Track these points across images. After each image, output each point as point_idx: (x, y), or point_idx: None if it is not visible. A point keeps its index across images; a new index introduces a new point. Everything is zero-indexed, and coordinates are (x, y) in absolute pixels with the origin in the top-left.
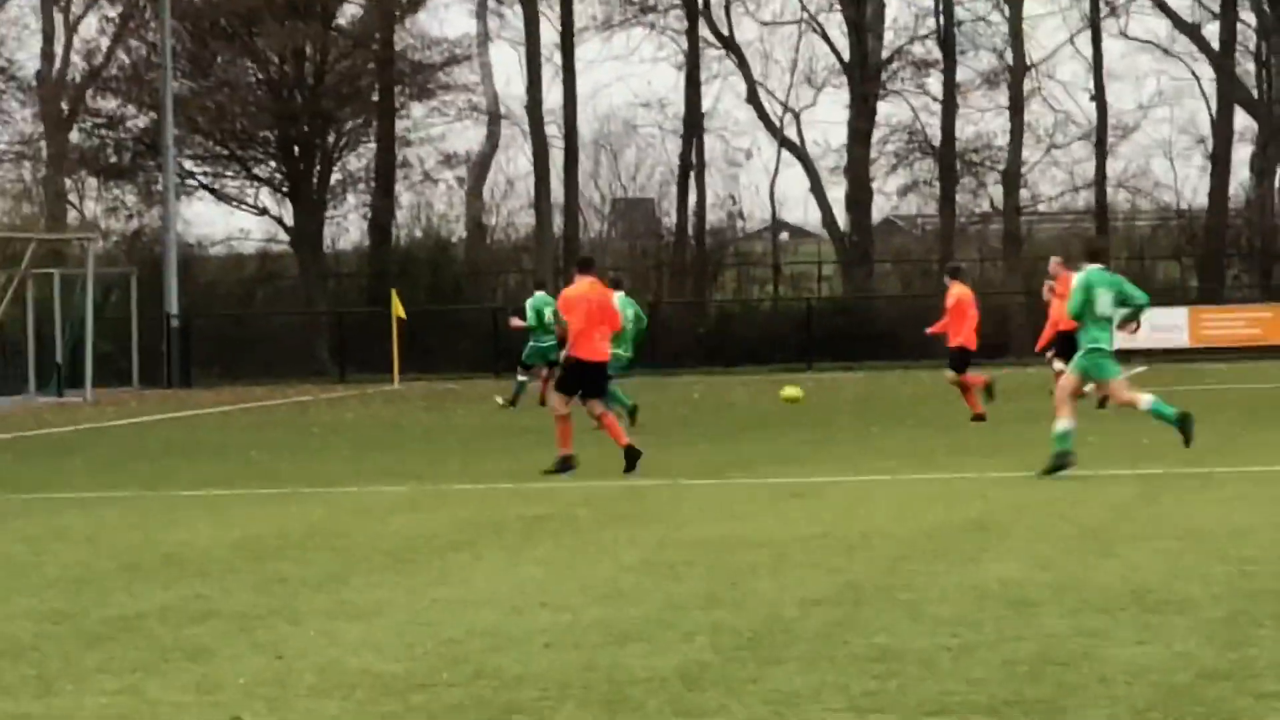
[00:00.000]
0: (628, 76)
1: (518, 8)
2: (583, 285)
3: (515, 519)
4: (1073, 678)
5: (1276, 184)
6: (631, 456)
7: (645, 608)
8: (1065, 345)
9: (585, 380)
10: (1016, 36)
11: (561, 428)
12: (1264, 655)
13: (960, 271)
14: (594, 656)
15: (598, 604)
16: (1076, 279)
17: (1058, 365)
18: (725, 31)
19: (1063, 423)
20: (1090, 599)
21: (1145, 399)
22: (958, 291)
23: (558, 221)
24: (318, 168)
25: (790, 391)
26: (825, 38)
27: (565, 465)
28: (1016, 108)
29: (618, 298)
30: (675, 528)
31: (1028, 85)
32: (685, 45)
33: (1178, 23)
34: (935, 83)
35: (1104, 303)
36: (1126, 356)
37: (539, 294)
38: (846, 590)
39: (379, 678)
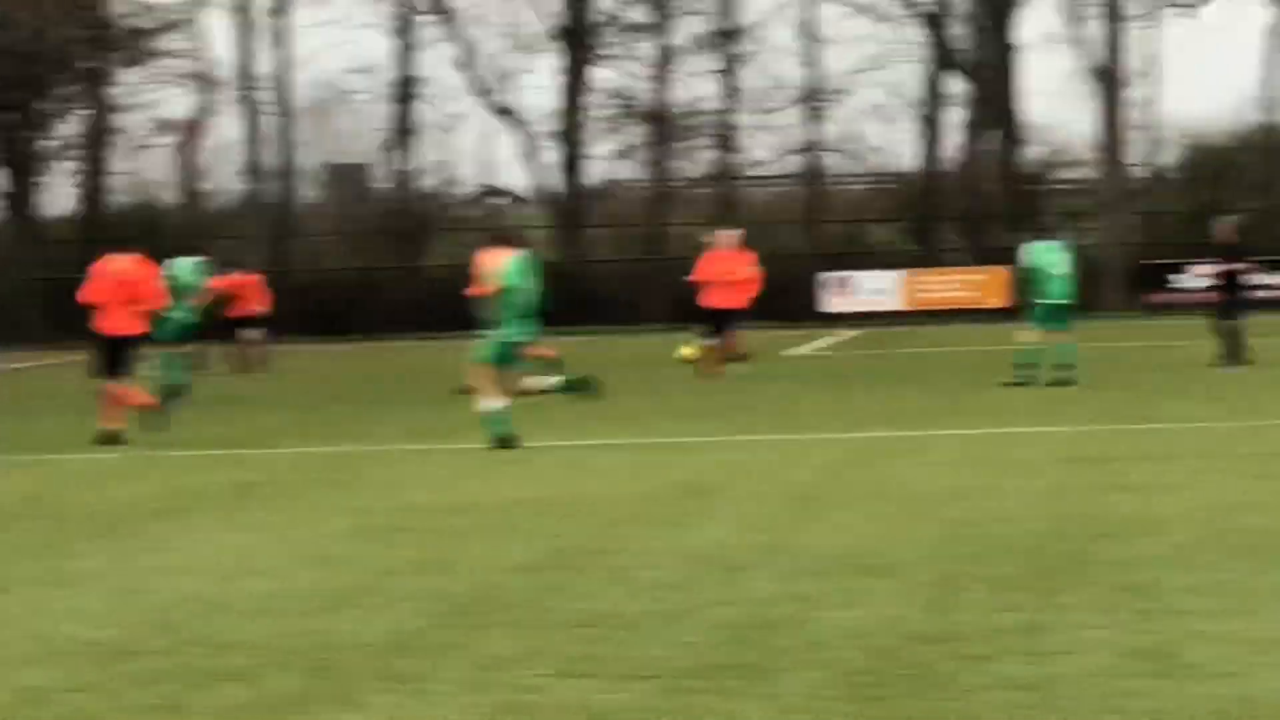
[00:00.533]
0: (341, 43)
1: None
2: (115, 260)
3: (226, 486)
4: (782, 641)
5: (988, 147)
6: (109, 439)
7: (356, 574)
8: (709, 316)
9: (111, 355)
10: (729, 1)
11: (111, 401)
12: (972, 618)
13: (499, 238)
14: (304, 623)
15: (308, 570)
16: (501, 266)
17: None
18: None
19: (491, 403)
20: (800, 563)
21: (547, 381)
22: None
23: (271, 188)
24: (31, 134)
25: (687, 351)
26: (537, 3)
27: (111, 439)
28: (729, 72)
29: (188, 264)
30: (387, 494)
31: (740, 49)
32: (397, 11)
33: None
34: (648, 47)
35: (528, 292)
36: (836, 321)
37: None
38: (557, 555)
39: (89, 645)
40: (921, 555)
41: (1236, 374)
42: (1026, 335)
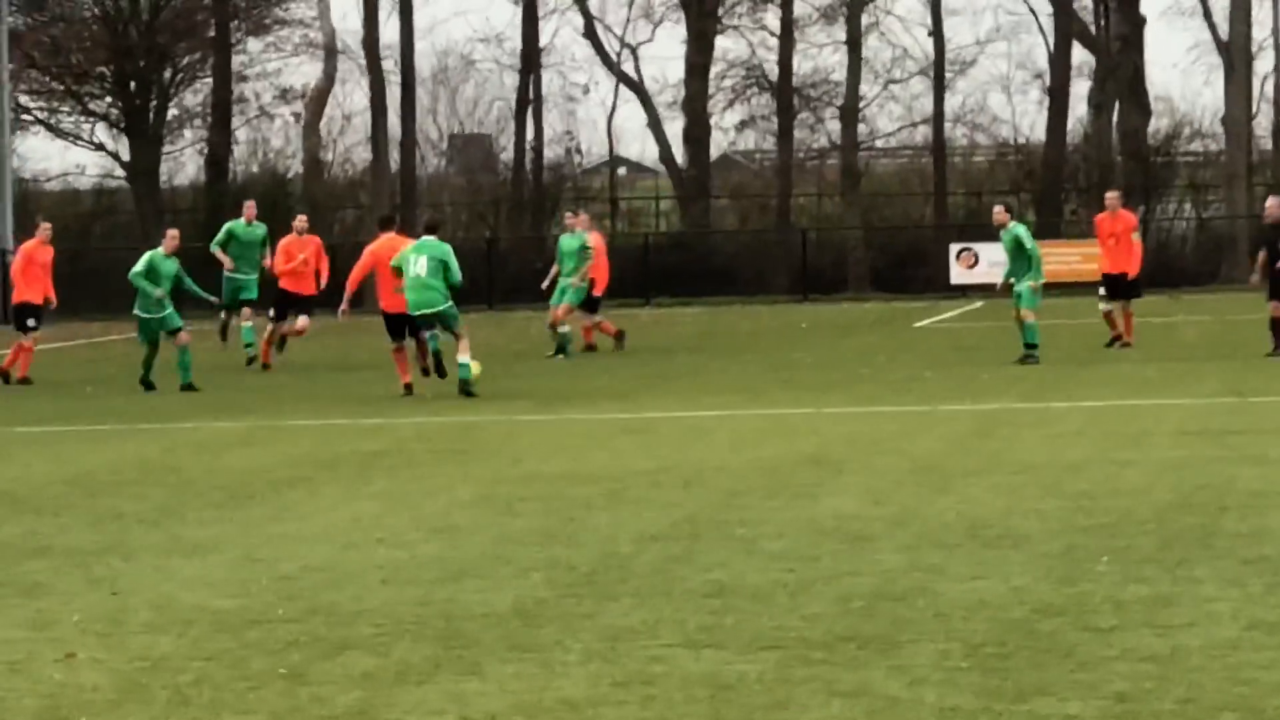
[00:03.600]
0: (465, 11)
1: None
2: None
3: (350, 455)
4: (908, 613)
5: (1114, 119)
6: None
7: (481, 544)
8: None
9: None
10: None
11: None
12: (1099, 590)
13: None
14: (430, 592)
15: (433, 540)
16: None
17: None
18: None
19: None
20: (926, 534)
21: None
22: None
23: (395, 157)
24: (154, 103)
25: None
26: None
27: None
28: (854, 42)
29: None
30: (511, 463)
31: (866, 20)
32: None
33: None
34: (773, 17)
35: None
36: (963, 292)
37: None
38: (682, 525)
39: (214, 614)
40: (1047, 527)
41: None
42: (1029, 315)
